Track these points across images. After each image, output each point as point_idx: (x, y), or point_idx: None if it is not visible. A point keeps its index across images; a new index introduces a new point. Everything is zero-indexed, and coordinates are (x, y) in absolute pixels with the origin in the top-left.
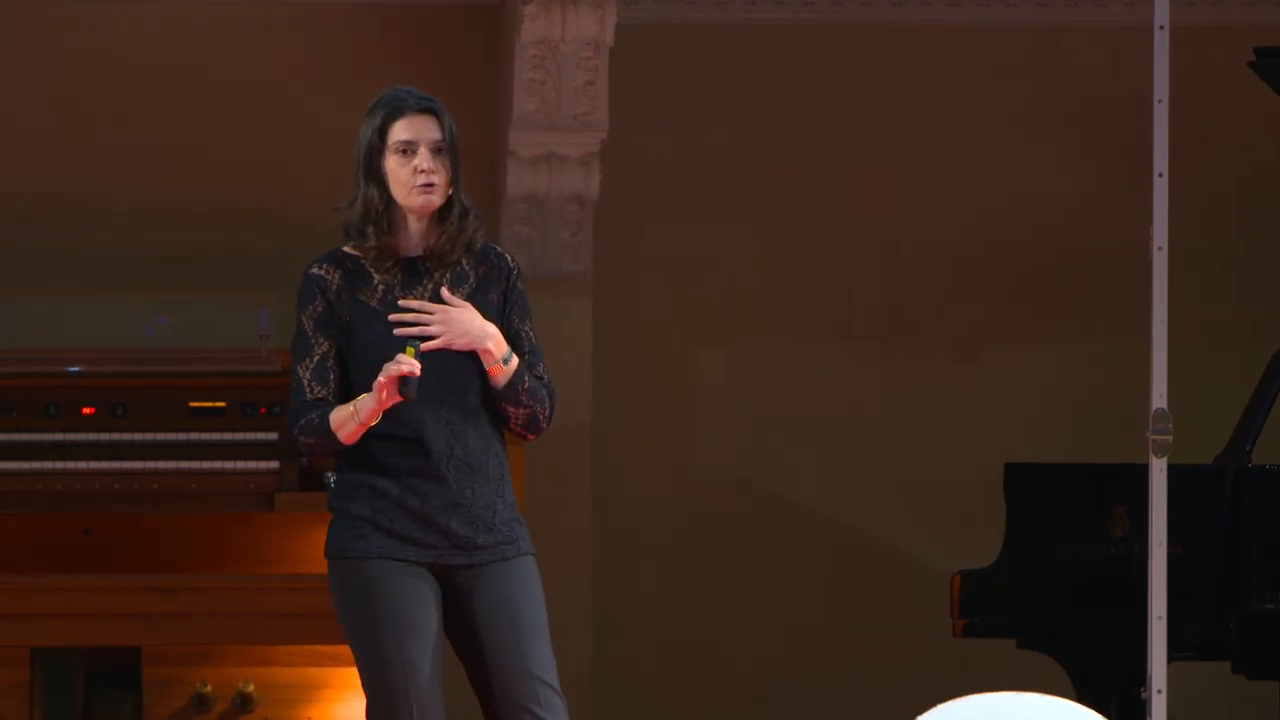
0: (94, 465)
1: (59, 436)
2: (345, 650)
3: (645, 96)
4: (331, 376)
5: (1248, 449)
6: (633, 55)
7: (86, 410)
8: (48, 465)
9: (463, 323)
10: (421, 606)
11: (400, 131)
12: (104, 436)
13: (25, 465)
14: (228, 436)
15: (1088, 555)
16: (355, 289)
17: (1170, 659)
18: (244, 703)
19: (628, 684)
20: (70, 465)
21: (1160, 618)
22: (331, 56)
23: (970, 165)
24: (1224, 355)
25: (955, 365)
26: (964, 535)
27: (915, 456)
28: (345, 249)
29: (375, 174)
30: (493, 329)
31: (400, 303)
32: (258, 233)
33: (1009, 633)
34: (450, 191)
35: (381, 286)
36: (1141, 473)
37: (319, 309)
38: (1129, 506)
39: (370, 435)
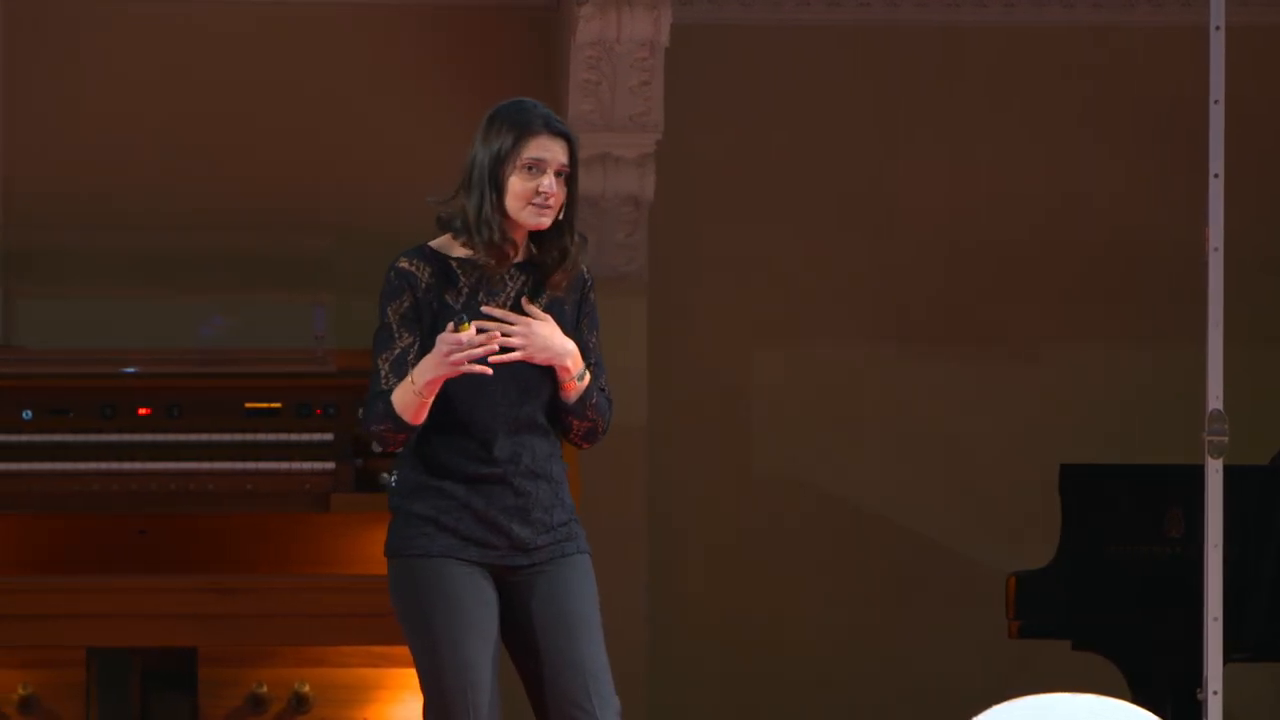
0: (149, 466)
1: (115, 437)
2: (401, 651)
3: (700, 97)
4: (410, 370)
5: None
6: (688, 56)
7: (142, 411)
8: (103, 466)
9: (544, 338)
10: (480, 605)
11: (533, 149)
12: (159, 437)
13: (81, 466)
14: (283, 437)
15: (1143, 556)
16: (442, 287)
17: (1226, 660)
18: (300, 703)
19: (682, 684)
20: (126, 466)
21: (1216, 619)
22: (387, 58)
23: (1025, 166)
24: (1279, 356)
25: (1010, 366)
26: (1020, 536)
27: (971, 457)
28: (432, 245)
29: (496, 182)
30: (571, 345)
31: (484, 310)
32: (314, 233)
33: (1064, 634)
34: (560, 217)
35: (466, 289)
36: (1197, 473)
37: (405, 304)
38: (1185, 507)
39: (438, 438)
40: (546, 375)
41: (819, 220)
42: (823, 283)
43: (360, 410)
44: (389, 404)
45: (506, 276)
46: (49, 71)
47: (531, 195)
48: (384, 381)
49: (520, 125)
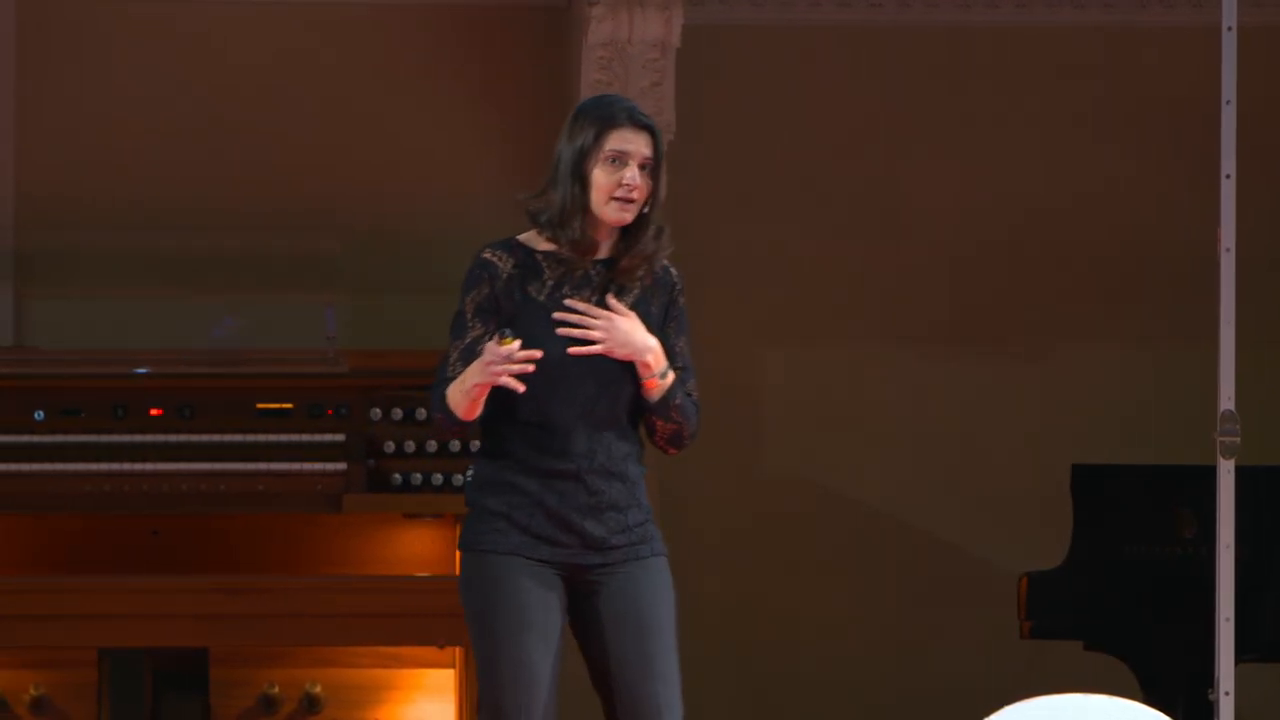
0: (161, 466)
1: (126, 438)
2: (412, 651)
3: (711, 98)
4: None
5: None
6: (699, 57)
7: (154, 411)
8: (115, 467)
9: (625, 332)
10: (544, 607)
11: (615, 141)
12: (171, 438)
13: (93, 467)
14: (294, 438)
15: (1155, 557)
16: (525, 281)
17: (1238, 661)
18: (311, 704)
19: (694, 683)
20: (137, 467)
21: (1228, 619)
22: (400, 58)
23: (1036, 166)
24: None
25: (1020, 366)
26: (1031, 536)
27: (981, 457)
28: (519, 238)
29: (580, 176)
30: (653, 342)
31: (567, 302)
32: (325, 234)
33: (1076, 634)
34: (645, 210)
35: (550, 283)
36: (1209, 474)
37: (483, 294)
38: (1196, 508)
39: (513, 432)
40: (627, 372)
41: (830, 220)
42: (834, 283)
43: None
44: (444, 395)
45: (591, 272)
46: (61, 72)
47: (615, 188)
48: (450, 369)
49: (603, 118)
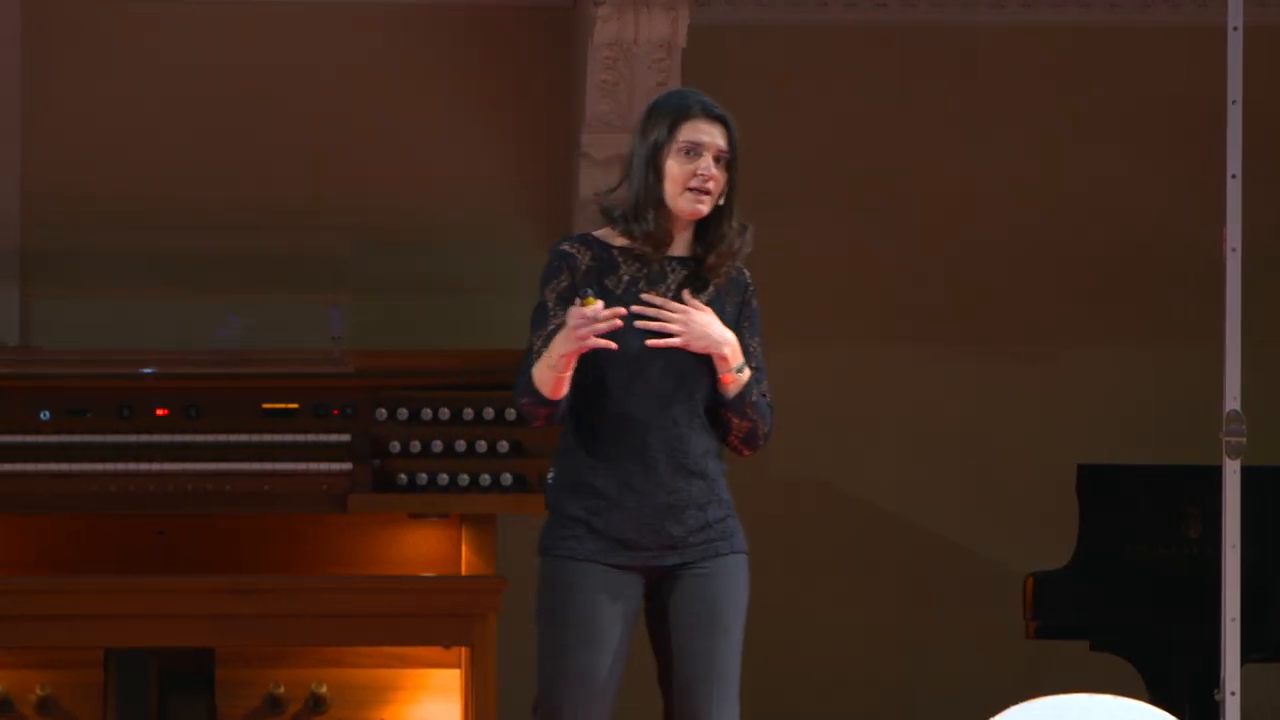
0: (167, 466)
1: (132, 438)
2: (417, 652)
3: (717, 97)
4: None
5: None
6: (705, 56)
7: (160, 411)
8: (121, 467)
9: (703, 325)
10: (612, 618)
11: (689, 132)
12: (177, 438)
13: (98, 467)
14: (300, 438)
15: (1161, 556)
16: (601, 275)
17: (1244, 661)
18: (317, 704)
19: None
20: (143, 467)
21: (1234, 619)
22: (405, 57)
23: (1042, 165)
24: None
25: (1027, 365)
26: (1038, 535)
27: (987, 457)
28: (595, 233)
29: (655, 168)
30: (730, 336)
31: (643, 296)
32: (331, 233)
33: (1082, 634)
34: (720, 203)
35: (626, 277)
36: (1215, 474)
37: (563, 284)
38: (1202, 507)
39: (593, 430)
40: (703, 366)
41: (835, 219)
42: (839, 281)
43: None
44: (530, 378)
45: (668, 267)
46: (66, 73)
47: (689, 179)
48: (535, 358)
49: (677, 110)
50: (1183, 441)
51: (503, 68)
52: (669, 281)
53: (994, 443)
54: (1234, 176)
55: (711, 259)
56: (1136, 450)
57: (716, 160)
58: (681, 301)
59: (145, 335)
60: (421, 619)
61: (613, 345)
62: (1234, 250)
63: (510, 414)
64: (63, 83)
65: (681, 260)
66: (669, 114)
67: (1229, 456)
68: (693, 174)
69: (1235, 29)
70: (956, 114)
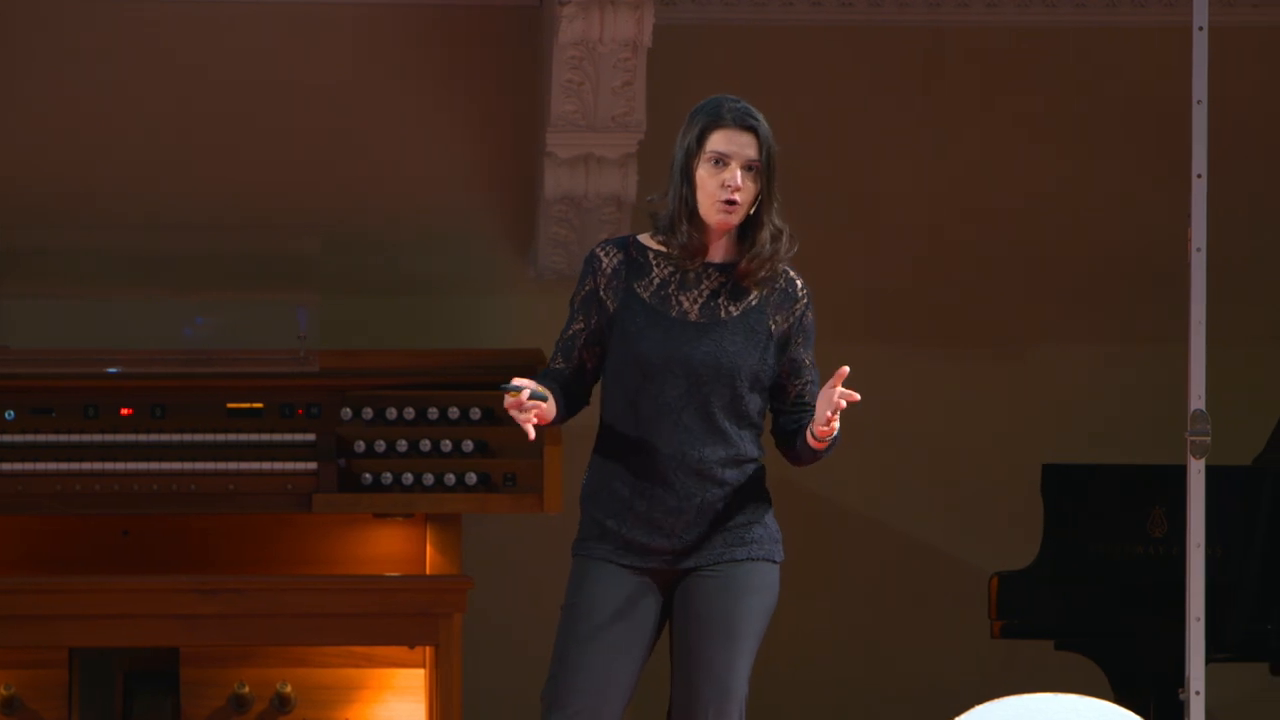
0: (132, 466)
1: (97, 438)
2: (382, 651)
3: (683, 97)
4: (576, 353)
5: None
6: (670, 56)
7: (125, 411)
8: (86, 466)
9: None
10: (620, 617)
11: (717, 142)
12: (142, 438)
13: (64, 466)
14: (265, 438)
15: (1126, 556)
16: (632, 277)
17: (1208, 660)
18: (282, 703)
19: (665, 685)
20: (109, 466)
21: (1198, 619)
22: (370, 57)
23: (1008, 165)
24: (1262, 356)
25: (994, 365)
26: (1005, 535)
27: (953, 457)
28: (639, 237)
29: (689, 177)
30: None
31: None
32: (297, 234)
33: (1047, 634)
34: (754, 211)
35: (658, 280)
36: (1180, 474)
37: (587, 287)
38: (1167, 507)
39: (613, 433)
40: (722, 376)
41: (801, 220)
42: (805, 282)
43: None
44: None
45: (702, 274)
46: (33, 73)
47: (718, 190)
48: (553, 360)
49: (708, 118)
50: (1151, 441)
51: (469, 67)
52: (702, 288)
53: (962, 443)
54: (1199, 176)
55: (743, 265)
56: (1104, 450)
57: (748, 169)
58: (715, 305)
59: (111, 335)
60: (386, 618)
61: (530, 434)
62: (1199, 250)
63: (475, 413)
64: (28, 82)
65: (720, 267)
66: (700, 121)
67: (1194, 456)
68: (720, 184)
69: (1201, 29)
70: (923, 114)
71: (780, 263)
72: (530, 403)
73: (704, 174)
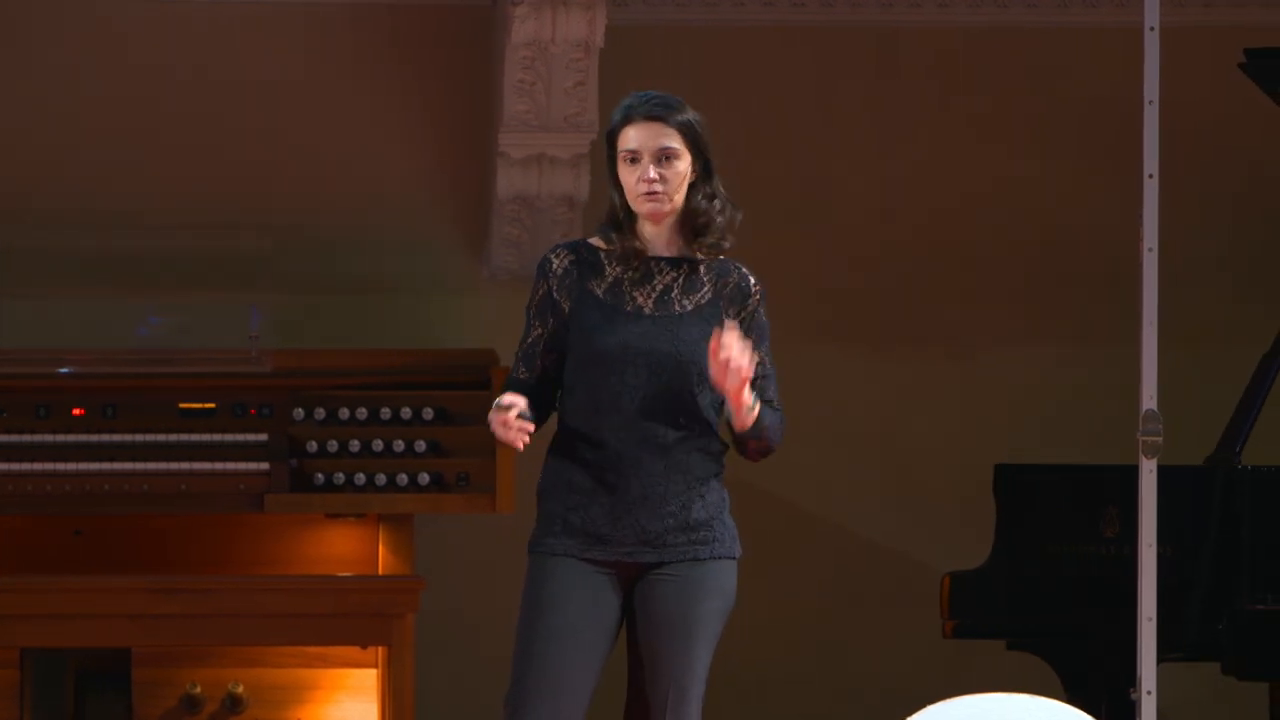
0: (84, 466)
1: (49, 437)
2: (335, 651)
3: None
4: (538, 360)
5: (1238, 449)
6: (623, 57)
7: (76, 411)
8: (38, 466)
9: (738, 372)
10: (582, 612)
11: (627, 139)
12: (94, 438)
13: (15, 466)
14: (218, 437)
15: (1078, 556)
16: (585, 277)
17: (1160, 660)
18: (234, 704)
19: (619, 685)
20: (60, 466)
21: (1150, 619)
22: (322, 57)
23: (962, 166)
24: (1214, 356)
25: (945, 365)
26: (957, 535)
27: (907, 457)
28: (590, 240)
29: (615, 181)
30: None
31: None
32: (249, 233)
33: (999, 633)
34: (687, 193)
35: (611, 278)
36: (1132, 474)
37: (540, 293)
38: (1120, 507)
39: (572, 429)
40: (682, 367)
41: (755, 220)
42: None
43: None
44: (498, 401)
45: (654, 270)
46: None
47: (634, 185)
48: (515, 370)
49: (615, 122)
50: (1103, 441)
51: (421, 67)
52: (655, 283)
53: (914, 442)
54: (1151, 176)
55: (697, 243)
56: (1057, 450)
57: (664, 159)
58: (670, 300)
59: (63, 334)
60: (339, 619)
61: (519, 447)
62: (1151, 250)
63: (428, 414)
64: None
65: (671, 261)
66: (612, 123)
67: (1145, 456)
68: (636, 180)
69: (1152, 29)
70: (875, 115)
71: (728, 229)
72: (518, 421)
73: (623, 174)
